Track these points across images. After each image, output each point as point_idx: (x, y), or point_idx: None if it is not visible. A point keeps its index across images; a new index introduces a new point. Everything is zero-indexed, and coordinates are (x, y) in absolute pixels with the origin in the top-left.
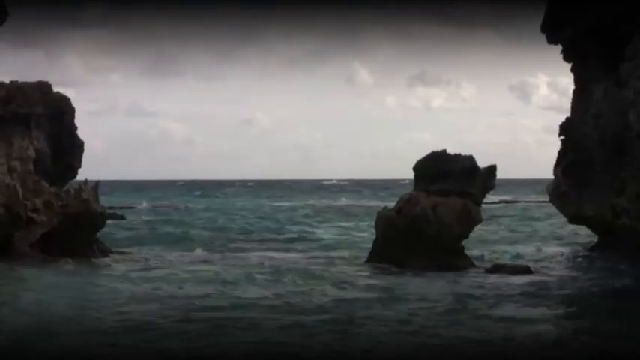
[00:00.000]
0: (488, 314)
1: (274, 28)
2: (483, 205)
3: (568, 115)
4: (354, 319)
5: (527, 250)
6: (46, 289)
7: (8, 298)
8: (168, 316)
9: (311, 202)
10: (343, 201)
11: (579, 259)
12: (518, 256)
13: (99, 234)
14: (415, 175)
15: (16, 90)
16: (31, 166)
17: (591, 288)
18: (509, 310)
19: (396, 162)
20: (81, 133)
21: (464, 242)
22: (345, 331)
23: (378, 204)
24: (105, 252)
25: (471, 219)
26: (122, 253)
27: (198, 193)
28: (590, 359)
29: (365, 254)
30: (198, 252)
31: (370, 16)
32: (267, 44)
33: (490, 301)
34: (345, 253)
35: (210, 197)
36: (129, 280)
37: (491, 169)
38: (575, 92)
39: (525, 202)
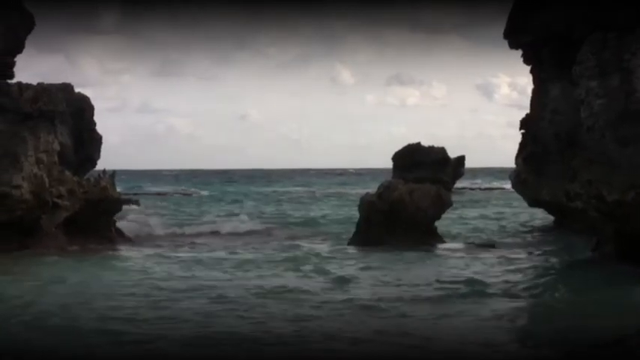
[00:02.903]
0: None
1: (265, 35)
2: (453, 190)
3: (528, 111)
4: None
5: (492, 228)
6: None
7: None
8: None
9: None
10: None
11: (537, 237)
12: (484, 233)
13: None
14: (394, 165)
15: (42, 91)
16: (55, 158)
17: (548, 259)
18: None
19: (375, 153)
20: (99, 128)
21: (437, 223)
22: None
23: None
24: (122, 234)
25: (443, 203)
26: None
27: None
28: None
29: None
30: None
31: (350, 24)
32: (259, 49)
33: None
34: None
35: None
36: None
37: (461, 159)
38: (533, 91)
39: (490, 188)
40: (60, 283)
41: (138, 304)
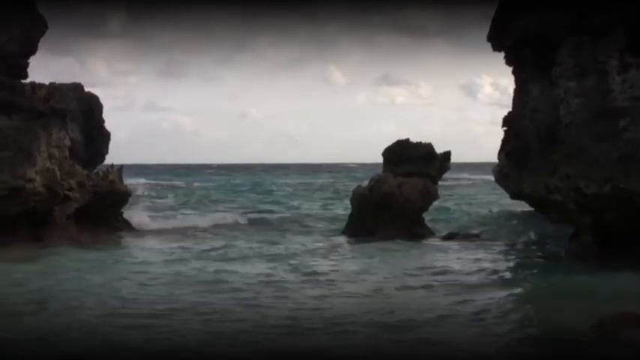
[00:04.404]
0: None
1: (263, 39)
2: (441, 182)
3: (509, 109)
4: None
5: (476, 219)
6: None
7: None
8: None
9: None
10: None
11: (518, 226)
12: (469, 224)
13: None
14: (384, 160)
15: (54, 90)
16: (66, 153)
17: (527, 249)
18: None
19: (366, 148)
20: (107, 126)
21: (424, 214)
22: None
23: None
24: (128, 225)
25: (430, 195)
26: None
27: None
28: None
29: None
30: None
31: (342, 28)
32: (257, 51)
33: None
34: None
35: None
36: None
37: (447, 155)
38: (515, 91)
39: (474, 181)
40: (70, 272)
41: (139, 293)
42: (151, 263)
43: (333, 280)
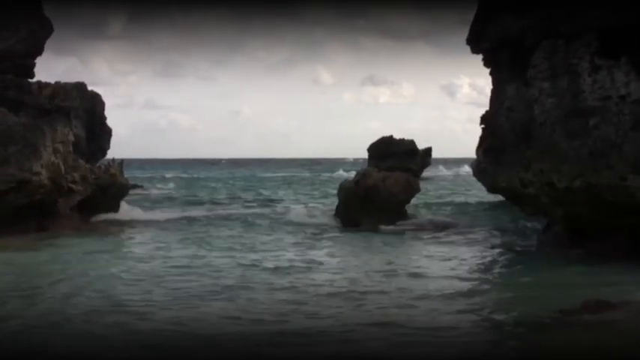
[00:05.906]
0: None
1: (255, 41)
2: (422, 176)
3: (487, 108)
4: None
5: (455, 210)
6: None
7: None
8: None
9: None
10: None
11: (494, 217)
12: (449, 215)
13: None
14: (369, 155)
15: (59, 89)
16: (70, 148)
17: (502, 240)
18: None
19: (352, 145)
20: (109, 122)
21: (407, 206)
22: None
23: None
24: (129, 215)
25: (412, 188)
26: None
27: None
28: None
29: None
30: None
31: (330, 31)
32: (250, 53)
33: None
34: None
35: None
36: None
37: (428, 150)
38: (492, 91)
39: (453, 175)
40: (72, 260)
41: (136, 282)
42: (145, 253)
43: (312, 271)
